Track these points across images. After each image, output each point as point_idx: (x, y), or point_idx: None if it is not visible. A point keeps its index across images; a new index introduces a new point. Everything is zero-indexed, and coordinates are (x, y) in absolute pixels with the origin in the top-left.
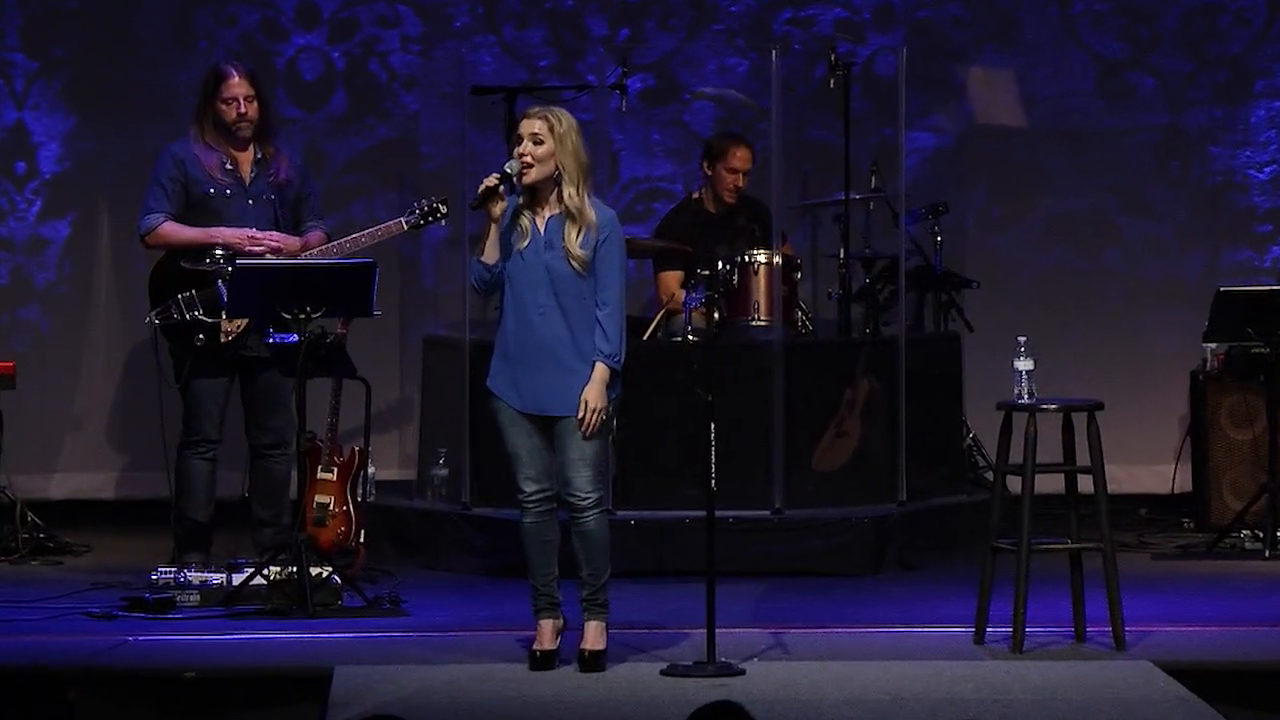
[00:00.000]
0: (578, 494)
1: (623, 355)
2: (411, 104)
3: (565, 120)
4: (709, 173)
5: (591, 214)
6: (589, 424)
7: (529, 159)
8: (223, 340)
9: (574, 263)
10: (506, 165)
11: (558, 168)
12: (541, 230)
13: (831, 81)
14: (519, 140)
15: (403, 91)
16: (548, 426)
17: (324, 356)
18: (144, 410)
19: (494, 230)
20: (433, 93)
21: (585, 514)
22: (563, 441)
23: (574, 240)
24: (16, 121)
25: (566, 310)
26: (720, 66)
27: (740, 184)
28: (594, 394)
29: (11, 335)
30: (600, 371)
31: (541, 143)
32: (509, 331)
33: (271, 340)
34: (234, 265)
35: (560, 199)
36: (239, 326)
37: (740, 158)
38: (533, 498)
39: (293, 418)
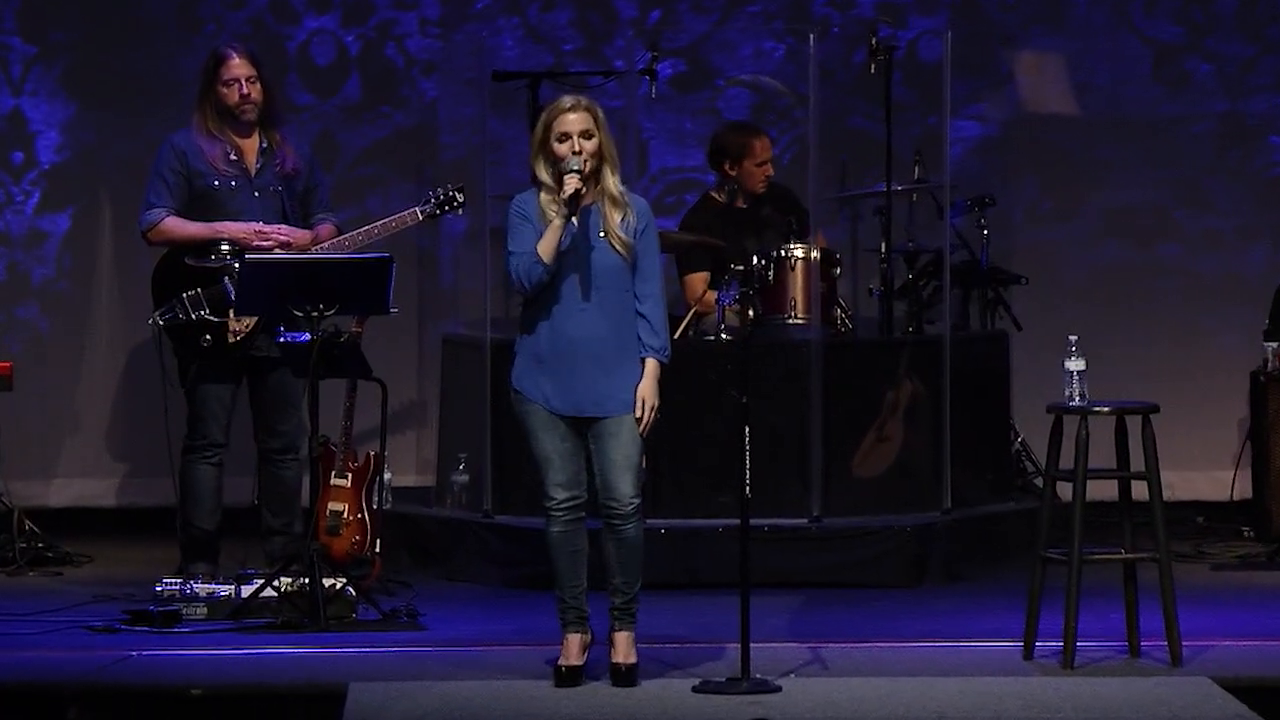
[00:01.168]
0: (619, 500)
1: (670, 349)
2: (430, 90)
3: (598, 106)
4: (732, 172)
5: (629, 200)
6: (647, 423)
7: (586, 155)
8: (230, 340)
9: (619, 248)
10: (572, 164)
11: (601, 157)
12: (576, 224)
13: (872, 67)
14: (564, 137)
15: (421, 77)
16: (583, 429)
17: (338, 356)
18: (148, 413)
19: (564, 229)
20: (453, 78)
21: (625, 521)
22: (603, 444)
23: (617, 225)
24: (14, 109)
25: (608, 306)
26: (756, 51)
27: (770, 173)
28: (651, 391)
29: (9, 334)
30: (653, 367)
31: (592, 136)
32: (544, 330)
33: (283, 339)
34: (243, 260)
35: (597, 189)
36: (247, 326)
37: (764, 148)
38: (563, 505)
39: (304, 421)
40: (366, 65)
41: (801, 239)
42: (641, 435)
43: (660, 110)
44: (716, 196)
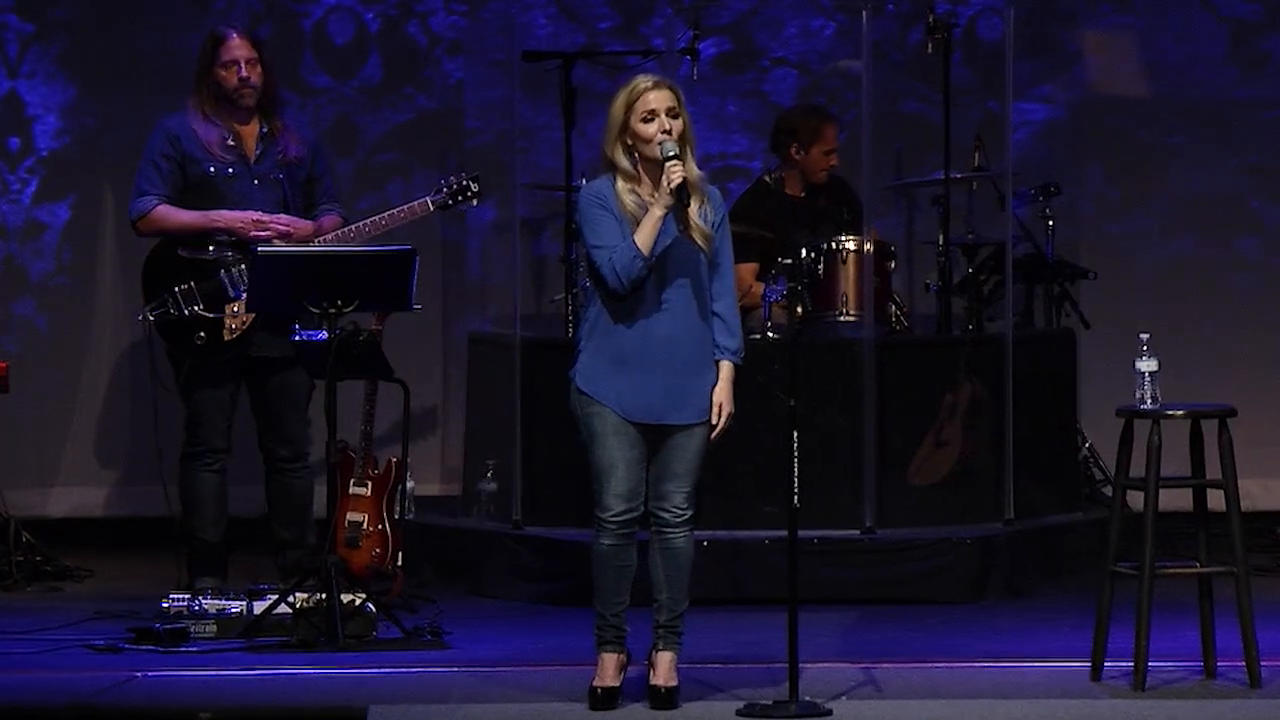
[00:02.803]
0: (674, 510)
1: (744, 351)
2: (455, 71)
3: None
4: (798, 156)
5: (705, 188)
6: (720, 431)
7: (675, 135)
8: (226, 338)
9: (701, 241)
10: (668, 149)
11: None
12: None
13: (929, 46)
14: (650, 116)
15: (446, 57)
16: (655, 437)
17: (357, 356)
18: (153, 417)
19: (663, 220)
20: (479, 59)
21: (677, 530)
22: (672, 452)
23: (696, 215)
24: (10, 92)
25: (692, 304)
26: (804, 29)
27: (835, 163)
28: (727, 396)
29: (4, 333)
30: (728, 370)
31: (678, 116)
32: (626, 330)
33: (298, 338)
34: (256, 253)
35: None
36: (244, 323)
37: (833, 135)
38: (619, 517)
39: (311, 426)
40: (387, 44)
41: (854, 230)
42: (710, 443)
43: (702, 92)
44: (769, 182)
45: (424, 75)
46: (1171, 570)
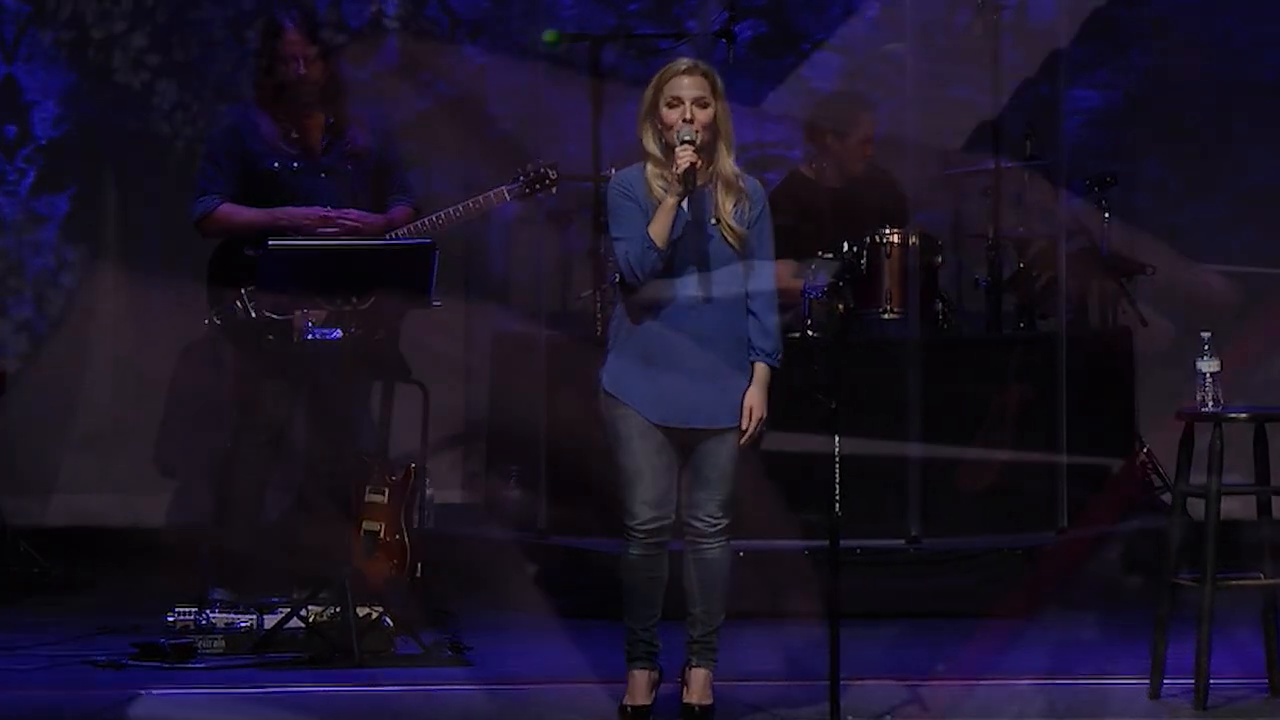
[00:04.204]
0: (708, 518)
1: (782, 353)
2: (477, 56)
3: (717, 74)
4: (833, 146)
5: (744, 183)
6: (751, 436)
7: (698, 126)
8: (296, 339)
9: (733, 240)
10: (684, 134)
11: (715, 132)
12: (686, 208)
13: (978, 28)
14: (675, 103)
15: (467, 41)
16: (685, 442)
17: (372, 356)
18: (156, 422)
19: (677, 209)
20: (503, 43)
21: (711, 541)
22: (704, 458)
23: (730, 212)
24: (6, 77)
25: (721, 303)
26: (845, 11)
27: (871, 153)
28: (759, 400)
29: (1, 332)
30: (763, 373)
31: (707, 105)
32: (653, 329)
33: (310, 336)
34: (264, 247)
35: (710, 169)
36: (315, 323)
37: (870, 123)
38: (647, 525)
39: (368, 428)
40: (406, 27)
41: (897, 223)
42: (742, 447)
43: (738, 77)
44: (806, 173)
45: (445, 60)
46: (1234, 582)
